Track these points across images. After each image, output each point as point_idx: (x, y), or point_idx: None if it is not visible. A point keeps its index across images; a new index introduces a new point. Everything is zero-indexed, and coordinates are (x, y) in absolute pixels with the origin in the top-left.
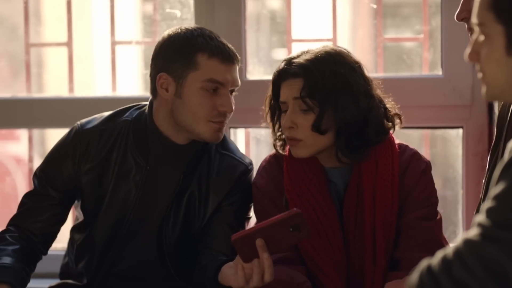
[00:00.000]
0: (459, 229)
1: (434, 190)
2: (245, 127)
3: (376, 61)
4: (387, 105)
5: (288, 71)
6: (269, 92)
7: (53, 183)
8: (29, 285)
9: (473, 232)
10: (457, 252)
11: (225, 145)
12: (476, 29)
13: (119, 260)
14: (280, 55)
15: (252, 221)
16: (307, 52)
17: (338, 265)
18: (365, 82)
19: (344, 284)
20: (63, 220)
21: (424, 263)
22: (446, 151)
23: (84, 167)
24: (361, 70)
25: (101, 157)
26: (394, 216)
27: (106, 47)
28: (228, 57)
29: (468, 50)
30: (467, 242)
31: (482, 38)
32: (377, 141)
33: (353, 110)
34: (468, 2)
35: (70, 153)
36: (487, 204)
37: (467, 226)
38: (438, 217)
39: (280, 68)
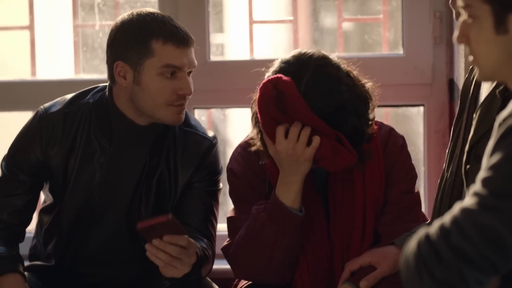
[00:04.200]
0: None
1: (412, 165)
2: (208, 108)
3: (336, 41)
4: None
5: None
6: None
7: (22, 167)
8: None
9: (470, 201)
10: (455, 220)
11: (188, 122)
12: (462, 11)
13: (86, 241)
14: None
15: (227, 202)
16: None
17: (320, 249)
18: None
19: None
20: (35, 207)
21: (421, 232)
22: (407, 129)
23: (51, 151)
24: None
25: (67, 140)
26: (382, 193)
27: (68, 30)
28: (183, 40)
29: (456, 33)
30: (464, 211)
31: (469, 20)
32: None
33: None
34: None
35: (36, 138)
36: (483, 174)
37: (429, 203)
38: (417, 191)
39: None
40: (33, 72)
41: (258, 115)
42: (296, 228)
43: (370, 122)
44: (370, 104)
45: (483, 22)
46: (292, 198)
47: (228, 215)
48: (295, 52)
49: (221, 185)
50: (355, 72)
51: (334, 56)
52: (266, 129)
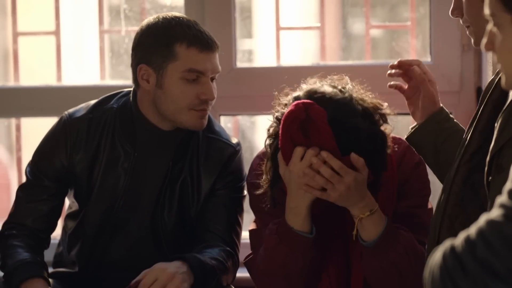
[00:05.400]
0: None
1: (427, 182)
2: (234, 115)
3: (364, 48)
4: None
5: None
6: None
7: (47, 173)
8: None
9: (496, 213)
10: (480, 232)
11: (212, 128)
12: (490, 19)
13: (110, 247)
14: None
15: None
16: None
17: (339, 261)
18: None
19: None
20: (60, 213)
21: (447, 244)
22: None
23: (76, 156)
24: None
25: (91, 145)
26: (392, 209)
27: (94, 36)
28: (207, 45)
29: (484, 40)
30: (490, 223)
31: (495, 28)
32: None
33: None
34: (459, 0)
35: (61, 144)
36: (510, 185)
37: None
38: (429, 206)
39: None
40: (59, 78)
41: (280, 130)
42: (307, 248)
43: (386, 159)
44: (388, 141)
45: (505, 31)
46: (300, 222)
47: (250, 228)
48: (306, 95)
49: (245, 192)
50: (369, 100)
51: (347, 88)
52: (283, 147)
